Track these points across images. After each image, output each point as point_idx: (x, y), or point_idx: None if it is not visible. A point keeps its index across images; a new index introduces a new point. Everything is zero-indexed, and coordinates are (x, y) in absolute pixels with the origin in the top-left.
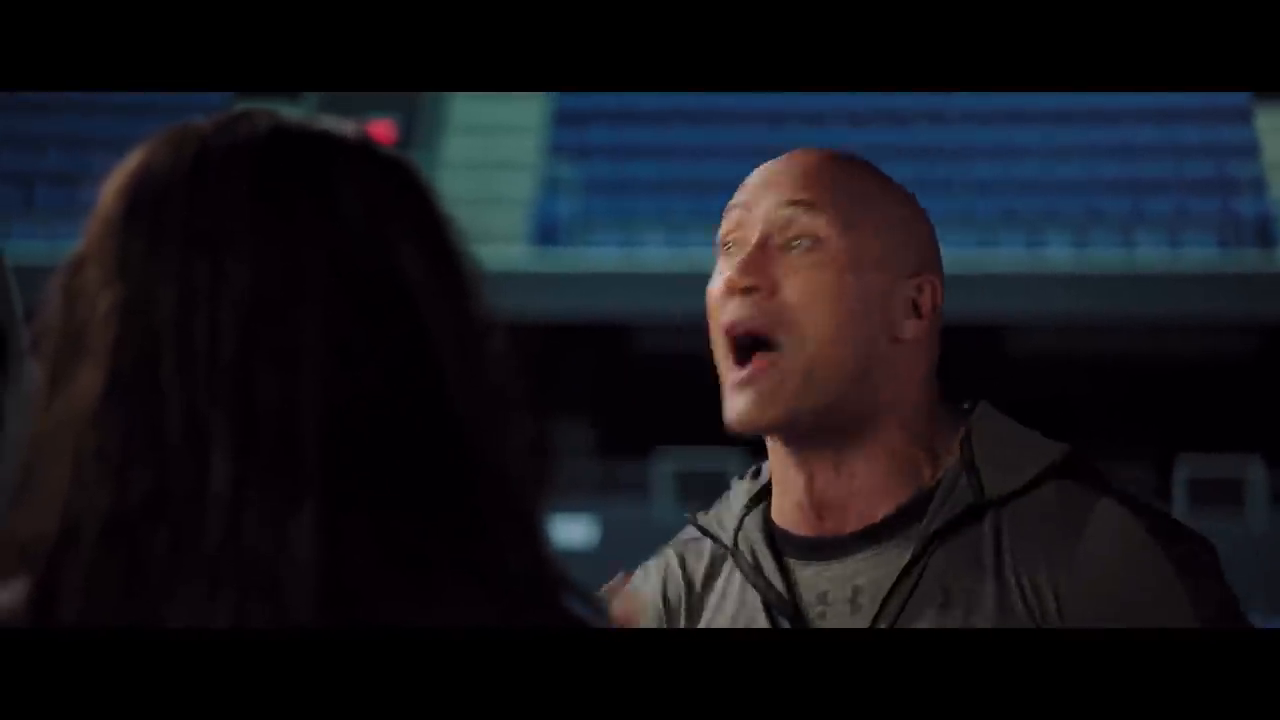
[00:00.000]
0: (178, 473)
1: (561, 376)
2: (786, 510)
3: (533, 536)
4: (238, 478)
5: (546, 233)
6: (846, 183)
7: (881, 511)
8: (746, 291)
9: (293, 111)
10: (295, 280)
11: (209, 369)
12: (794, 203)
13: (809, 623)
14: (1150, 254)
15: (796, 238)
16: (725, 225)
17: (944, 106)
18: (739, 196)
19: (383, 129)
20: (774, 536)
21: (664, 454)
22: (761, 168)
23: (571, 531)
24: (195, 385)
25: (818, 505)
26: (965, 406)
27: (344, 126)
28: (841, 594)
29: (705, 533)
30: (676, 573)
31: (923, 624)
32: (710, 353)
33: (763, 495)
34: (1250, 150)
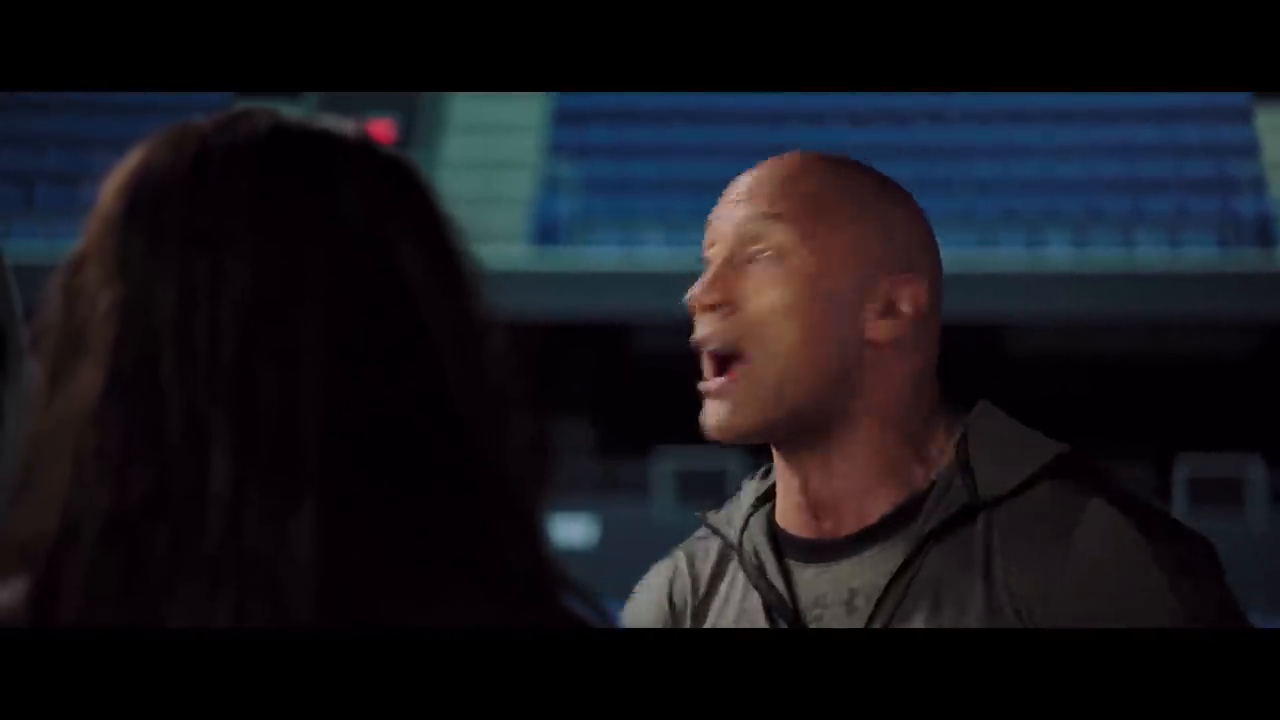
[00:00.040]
0: (178, 471)
1: (561, 376)
2: (788, 512)
3: (533, 535)
4: (238, 477)
5: (546, 232)
6: (813, 190)
7: (877, 513)
8: (711, 308)
9: (293, 111)
10: (295, 279)
11: (209, 368)
12: (758, 216)
13: (806, 625)
14: (1150, 253)
15: (761, 251)
16: (705, 239)
17: (944, 106)
18: (715, 210)
19: (383, 128)
20: (777, 538)
21: (664, 453)
22: (739, 177)
23: (571, 531)
24: (195, 384)
25: (814, 507)
26: (968, 406)
27: (344, 125)
28: (838, 596)
29: (715, 531)
30: (684, 574)
31: (915, 625)
32: None
33: (769, 496)
34: (1250, 150)
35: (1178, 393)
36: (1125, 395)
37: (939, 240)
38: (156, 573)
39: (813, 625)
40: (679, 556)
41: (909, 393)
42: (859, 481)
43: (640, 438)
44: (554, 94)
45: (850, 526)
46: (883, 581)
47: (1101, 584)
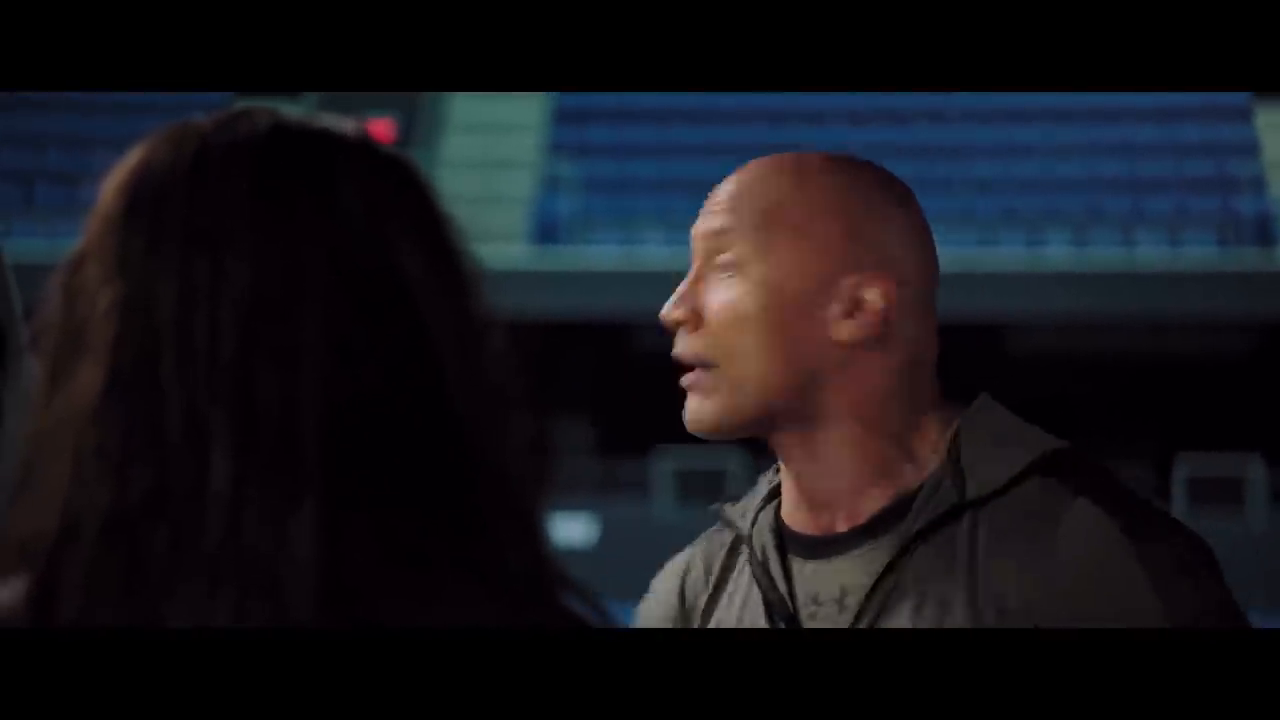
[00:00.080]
0: (178, 471)
1: (561, 375)
2: (791, 509)
3: (532, 535)
4: (238, 476)
5: (546, 231)
6: (771, 197)
7: (868, 512)
8: (678, 324)
9: (293, 110)
10: (295, 278)
11: (209, 367)
12: (719, 230)
13: (801, 621)
14: (1150, 253)
15: (722, 265)
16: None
17: (944, 106)
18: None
19: (383, 128)
20: (782, 534)
21: (664, 452)
22: (718, 186)
23: (571, 530)
24: (195, 383)
25: (809, 503)
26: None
27: (344, 125)
28: (831, 594)
29: (729, 524)
30: (698, 569)
31: (899, 624)
32: None
33: (778, 492)
34: (1250, 149)
35: (1178, 392)
36: (1125, 395)
37: (938, 240)
38: (156, 572)
39: (807, 621)
40: (694, 552)
41: (888, 391)
42: (848, 480)
43: (640, 437)
44: (554, 94)
45: (843, 524)
46: (870, 580)
47: (1080, 583)
